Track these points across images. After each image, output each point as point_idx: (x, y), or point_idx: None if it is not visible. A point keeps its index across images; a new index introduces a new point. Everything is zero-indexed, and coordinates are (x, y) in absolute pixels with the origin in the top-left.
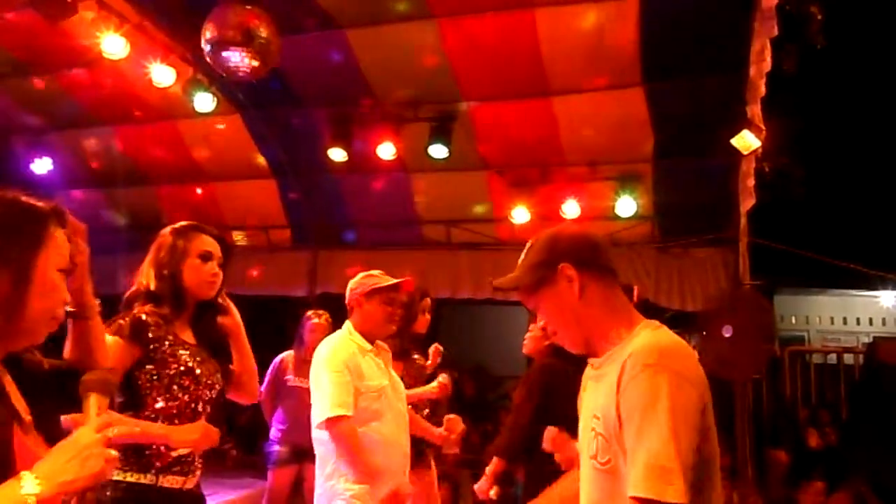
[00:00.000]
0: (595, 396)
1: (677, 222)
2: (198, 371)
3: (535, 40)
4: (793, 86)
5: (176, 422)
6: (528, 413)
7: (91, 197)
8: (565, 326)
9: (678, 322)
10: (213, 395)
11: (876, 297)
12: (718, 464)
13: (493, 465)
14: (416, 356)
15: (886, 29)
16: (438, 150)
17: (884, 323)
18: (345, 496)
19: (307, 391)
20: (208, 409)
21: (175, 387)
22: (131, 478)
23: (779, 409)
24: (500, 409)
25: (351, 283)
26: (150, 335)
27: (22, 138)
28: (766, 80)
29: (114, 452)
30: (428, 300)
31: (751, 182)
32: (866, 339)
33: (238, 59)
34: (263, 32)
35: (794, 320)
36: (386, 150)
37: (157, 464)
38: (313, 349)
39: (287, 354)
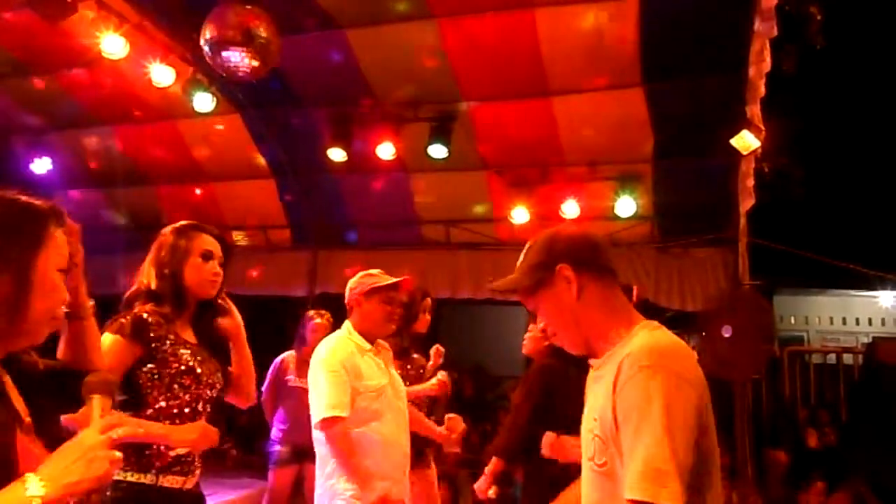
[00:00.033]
0: (595, 398)
1: (677, 222)
2: (199, 370)
3: (535, 40)
4: (792, 86)
5: (177, 421)
6: (527, 413)
7: (91, 197)
8: (565, 327)
9: (678, 322)
10: (214, 395)
11: (875, 297)
12: (718, 464)
13: (492, 465)
14: (415, 356)
15: (886, 29)
16: (438, 150)
17: (883, 323)
18: (345, 496)
19: (308, 391)
20: (208, 408)
21: (176, 386)
22: (132, 478)
23: (778, 409)
24: (499, 410)
25: (350, 283)
26: (152, 334)
27: (22, 138)
28: (765, 81)
29: (118, 454)
30: (429, 300)
31: (750, 182)
32: (865, 340)
33: (238, 59)
34: (263, 32)
35: (793, 320)
36: (386, 150)
37: (158, 464)
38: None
39: (288, 355)
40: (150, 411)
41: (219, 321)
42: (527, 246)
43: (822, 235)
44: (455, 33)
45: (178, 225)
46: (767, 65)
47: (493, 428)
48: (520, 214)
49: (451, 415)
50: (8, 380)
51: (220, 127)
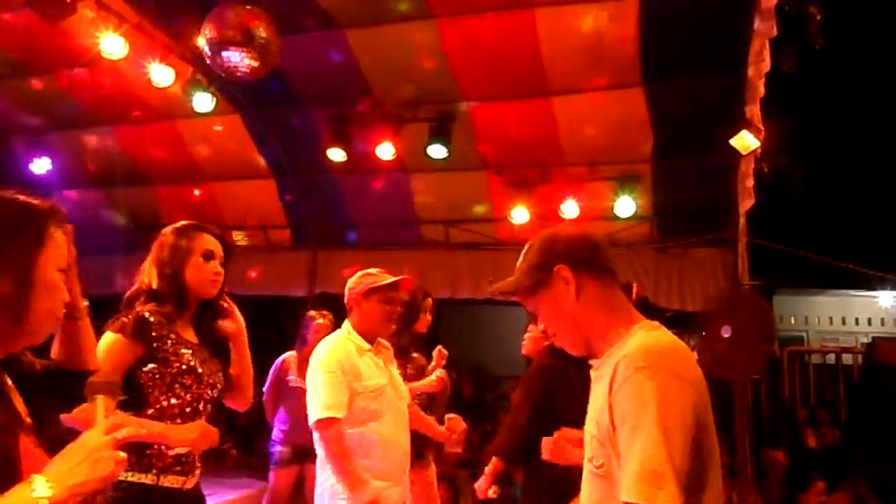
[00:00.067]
0: (594, 399)
1: (676, 222)
2: (200, 370)
3: (535, 40)
4: (792, 86)
5: (178, 421)
6: (527, 413)
7: (90, 197)
8: (564, 328)
9: (677, 322)
10: (215, 395)
11: (875, 297)
12: (719, 464)
13: (491, 465)
14: (415, 355)
15: (886, 29)
16: (438, 151)
17: (883, 323)
18: (345, 496)
19: None
20: (209, 408)
21: (177, 385)
22: (132, 478)
23: (778, 409)
24: (498, 410)
25: (349, 283)
26: (153, 333)
27: (22, 138)
28: (765, 81)
29: (123, 454)
30: (430, 300)
31: (750, 182)
32: (865, 340)
33: (238, 59)
34: (263, 32)
35: (793, 320)
36: (385, 151)
37: (158, 464)
38: None
39: (289, 355)
40: (151, 411)
41: (221, 324)
42: (526, 247)
43: (822, 235)
44: (455, 33)
45: (179, 225)
46: (767, 65)
47: (493, 428)
48: (519, 214)
49: (451, 415)
50: (8, 380)
51: (220, 127)
